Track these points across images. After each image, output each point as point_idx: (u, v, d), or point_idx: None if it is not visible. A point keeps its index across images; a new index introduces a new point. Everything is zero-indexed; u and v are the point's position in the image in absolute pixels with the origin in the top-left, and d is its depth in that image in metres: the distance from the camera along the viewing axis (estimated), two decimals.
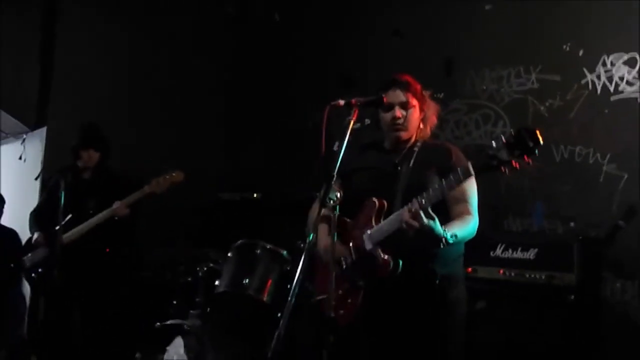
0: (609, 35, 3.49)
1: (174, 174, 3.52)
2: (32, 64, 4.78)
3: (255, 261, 3.08)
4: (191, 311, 3.20)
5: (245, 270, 3.06)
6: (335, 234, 2.03)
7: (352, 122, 2.08)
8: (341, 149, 2.01)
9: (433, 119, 2.38)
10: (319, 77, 4.85)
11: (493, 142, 1.86)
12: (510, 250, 3.17)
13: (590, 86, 3.55)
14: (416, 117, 2.32)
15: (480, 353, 2.91)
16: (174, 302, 3.47)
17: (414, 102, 2.31)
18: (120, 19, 4.87)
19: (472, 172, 1.92)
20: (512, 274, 3.09)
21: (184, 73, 5.17)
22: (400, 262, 2.09)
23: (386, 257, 2.10)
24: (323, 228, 2.36)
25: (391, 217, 2.11)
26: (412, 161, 2.26)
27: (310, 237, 1.97)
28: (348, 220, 2.29)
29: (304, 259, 1.99)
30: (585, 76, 3.56)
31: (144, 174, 3.63)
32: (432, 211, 2.00)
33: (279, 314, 2.85)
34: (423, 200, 2.00)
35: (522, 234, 3.62)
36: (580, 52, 3.60)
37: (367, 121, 4.44)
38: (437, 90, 4.24)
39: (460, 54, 4.15)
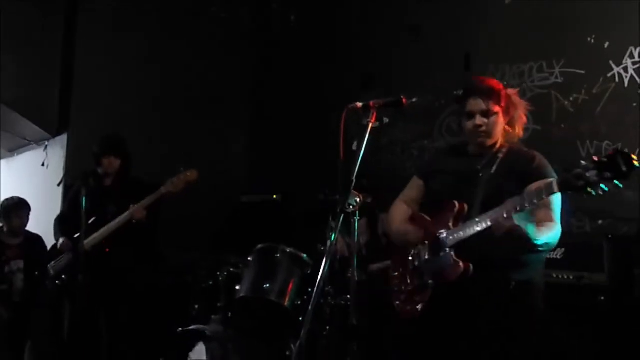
0: (635, 26, 3.38)
1: (188, 173, 3.51)
2: (53, 71, 4.83)
3: (276, 265, 3.06)
4: (213, 316, 3.20)
5: (266, 274, 3.04)
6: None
7: (370, 125, 2.04)
8: (360, 152, 1.98)
9: (522, 119, 2.28)
10: (341, 77, 4.82)
11: (582, 161, 1.78)
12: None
13: (617, 79, 3.44)
14: (500, 122, 2.23)
15: None
16: (196, 307, 3.48)
17: (496, 108, 2.21)
18: (140, 24, 4.90)
19: (556, 190, 1.86)
20: None
21: (205, 77, 5.19)
22: (471, 267, 2.06)
23: (459, 261, 2.08)
24: (405, 225, 2.38)
25: (469, 222, 2.09)
26: (494, 168, 2.20)
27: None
28: (427, 218, 2.29)
29: (325, 264, 1.97)
30: (611, 69, 3.46)
31: (165, 178, 3.63)
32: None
33: (301, 318, 2.87)
34: (517, 204, 1.94)
35: None
36: (606, 44, 3.49)
37: (386, 120, 4.48)
38: (456, 87, 4.19)
39: (480, 49, 4.08)
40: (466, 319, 2.13)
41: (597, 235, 3.26)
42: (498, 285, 2.11)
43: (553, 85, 3.71)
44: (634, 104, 3.36)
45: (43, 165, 4.88)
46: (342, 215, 1.97)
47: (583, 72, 3.58)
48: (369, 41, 4.73)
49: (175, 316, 3.52)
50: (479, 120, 2.20)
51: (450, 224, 2.15)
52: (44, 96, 4.80)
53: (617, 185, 1.72)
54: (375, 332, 3.07)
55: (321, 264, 1.92)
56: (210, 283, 3.49)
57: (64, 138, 4.72)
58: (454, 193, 2.20)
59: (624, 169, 1.69)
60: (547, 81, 3.73)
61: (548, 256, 3.04)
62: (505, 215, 1.94)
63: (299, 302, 2.98)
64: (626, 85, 3.40)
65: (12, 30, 4.42)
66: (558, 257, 3.09)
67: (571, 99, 3.63)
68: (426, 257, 2.21)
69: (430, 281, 2.17)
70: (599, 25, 3.53)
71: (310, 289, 2.96)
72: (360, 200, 1.96)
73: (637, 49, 3.38)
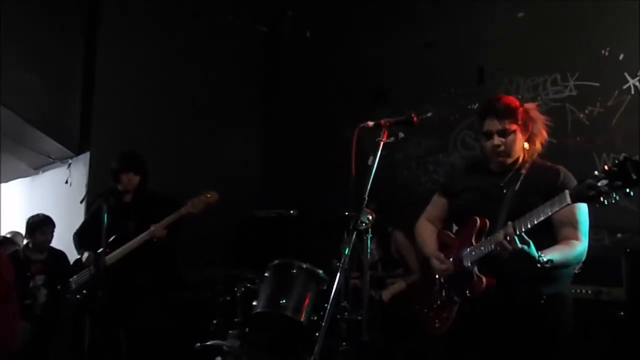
0: None
1: (208, 195, 3.58)
2: (75, 90, 4.98)
3: (292, 281, 3.09)
4: (230, 331, 3.23)
5: (282, 290, 3.07)
6: (369, 253, 2.05)
7: (382, 143, 2.08)
8: (372, 170, 2.01)
9: (542, 134, 2.28)
10: (354, 92, 4.87)
11: (596, 171, 1.78)
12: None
13: (632, 91, 3.41)
14: (519, 139, 2.24)
15: None
16: (214, 322, 3.52)
17: (513, 127, 2.22)
18: (159, 44, 5.04)
19: (569, 201, 1.87)
20: None
21: (221, 94, 5.30)
22: (494, 282, 2.08)
23: (482, 276, 2.10)
24: (432, 241, 2.42)
25: (489, 238, 2.12)
26: (518, 184, 2.22)
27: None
28: (452, 235, 2.34)
29: (339, 280, 2.01)
30: (626, 81, 3.43)
31: (183, 194, 3.70)
32: (537, 232, 1.97)
33: (316, 334, 2.89)
34: (518, 225, 1.97)
35: None
36: (621, 57, 3.47)
37: (401, 135, 4.51)
38: (470, 100, 4.21)
39: (494, 62, 4.09)
40: (497, 334, 2.14)
41: (615, 249, 3.21)
42: (529, 300, 2.12)
43: (567, 98, 3.69)
44: None
45: (66, 182, 5.02)
46: (355, 232, 2.01)
47: (597, 84, 3.56)
48: (382, 54, 4.77)
49: (193, 331, 3.56)
50: (497, 140, 2.22)
51: (473, 240, 2.18)
52: (67, 115, 4.95)
53: (628, 193, 1.71)
54: (389, 348, 3.07)
55: (335, 280, 1.95)
56: (228, 298, 3.54)
57: (86, 156, 4.85)
58: (479, 210, 2.22)
59: (634, 176, 1.69)
60: (562, 94, 3.72)
61: None
62: (508, 238, 1.95)
63: (315, 318, 3.01)
64: None
65: (34, 51, 4.59)
66: (576, 271, 3.05)
67: (586, 111, 3.60)
68: (452, 273, 2.24)
69: (455, 297, 2.19)
70: (613, 37, 3.51)
71: (326, 305, 2.98)
72: (372, 218, 1.99)
73: None
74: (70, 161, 5.04)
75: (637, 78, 3.40)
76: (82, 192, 4.56)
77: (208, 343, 3.13)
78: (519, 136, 2.23)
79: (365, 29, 4.96)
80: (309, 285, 3.09)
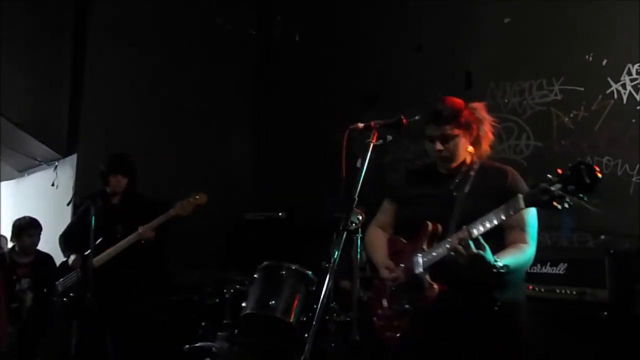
0: (633, 43, 3.44)
1: (197, 197, 3.58)
2: (63, 92, 4.95)
3: (281, 282, 3.11)
4: (219, 333, 3.23)
5: (271, 291, 3.08)
6: (359, 254, 2.06)
7: (372, 145, 2.09)
8: (362, 171, 2.03)
9: (488, 136, 2.23)
10: (344, 95, 4.90)
11: (549, 175, 1.74)
12: (539, 265, 3.11)
13: (615, 96, 3.49)
14: (462, 143, 2.20)
15: None
16: (203, 324, 3.52)
17: (456, 131, 2.18)
18: (147, 46, 5.03)
19: (523, 206, 1.83)
20: (542, 290, 3.03)
21: (211, 96, 5.30)
22: (447, 289, 2.03)
23: (433, 283, 2.04)
24: (382, 249, 2.35)
25: (441, 243, 2.07)
26: (467, 187, 2.18)
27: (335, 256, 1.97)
28: (404, 241, 2.27)
29: (329, 280, 2.01)
30: (610, 86, 3.51)
31: (172, 196, 3.70)
32: (488, 235, 1.93)
33: (306, 335, 2.90)
34: (473, 230, 1.93)
35: (551, 249, 3.55)
36: (604, 62, 3.55)
37: (390, 137, 4.54)
38: None
39: (481, 67, 4.15)
40: (453, 342, 2.08)
41: (599, 251, 3.27)
42: (484, 306, 2.07)
43: (553, 102, 3.76)
44: (633, 120, 3.41)
45: (53, 185, 4.97)
46: (345, 233, 2.02)
47: (582, 89, 3.64)
48: (371, 59, 4.82)
49: (182, 333, 3.56)
50: (438, 145, 2.18)
51: (424, 246, 2.11)
52: (54, 117, 4.91)
53: (582, 198, 1.68)
54: (380, 349, 3.08)
55: (325, 281, 1.96)
56: (217, 300, 3.54)
57: (73, 158, 4.81)
58: (429, 215, 2.16)
59: (588, 181, 1.66)
60: (547, 98, 3.79)
61: (551, 271, 3.09)
62: (463, 244, 1.91)
63: (304, 319, 3.02)
64: (624, 101, 3.45)
65: (21, 52, 4.55)
66: (560, 272, 3.11)
67: (571, 115, 3.68)
68: (403, 280, 2.16)
69: (406, 306, 2.11)
70: (597, 43, 3.59)
71: (315, 306, 2.99)
72: (362, 218, 2.01)
73: (635, 66, 3.43)
74: (56, 163, 5.00)
75: (620, 83, 3.48)
76: (69, 194, 4.52)
77: (197, 345, 3.13)
78: (462, 140, 2.19)
79: (354, 33, 5.00)
80: (298, 287, 3.10)
